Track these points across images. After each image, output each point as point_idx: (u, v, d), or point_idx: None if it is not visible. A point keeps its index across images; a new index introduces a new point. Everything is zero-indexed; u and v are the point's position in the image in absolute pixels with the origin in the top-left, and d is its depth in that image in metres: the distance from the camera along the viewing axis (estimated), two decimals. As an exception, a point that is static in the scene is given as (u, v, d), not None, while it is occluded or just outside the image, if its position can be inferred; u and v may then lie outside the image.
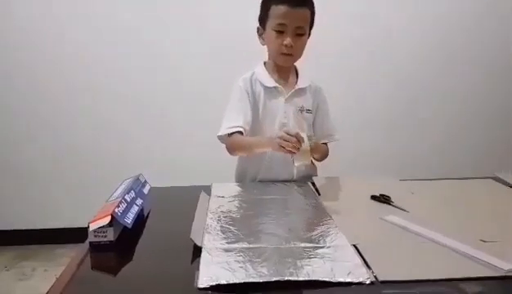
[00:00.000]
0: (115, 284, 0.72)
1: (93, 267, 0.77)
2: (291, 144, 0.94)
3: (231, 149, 1.14)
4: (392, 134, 2.22)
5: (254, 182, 1.19)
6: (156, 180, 1.09)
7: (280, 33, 1.09)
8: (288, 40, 1.09)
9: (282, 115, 1.16)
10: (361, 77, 2.10)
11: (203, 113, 2.07)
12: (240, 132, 1.11)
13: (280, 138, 0.96)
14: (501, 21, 2.16)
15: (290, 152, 0.95)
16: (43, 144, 2.13)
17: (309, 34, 1.15)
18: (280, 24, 1.09)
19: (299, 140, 0.95)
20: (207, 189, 1.05)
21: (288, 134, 0.95)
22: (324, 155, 1.24)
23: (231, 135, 1.12)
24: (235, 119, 1.12)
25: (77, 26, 2.01)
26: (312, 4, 1.13)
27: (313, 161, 1.23)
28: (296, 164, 1.00)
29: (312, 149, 0.99)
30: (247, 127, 1.13)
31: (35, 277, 1.93)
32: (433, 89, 2.20)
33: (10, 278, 1.93)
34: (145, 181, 1.04)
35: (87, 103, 2.09)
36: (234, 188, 1.10)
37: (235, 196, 1.04)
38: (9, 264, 2.03)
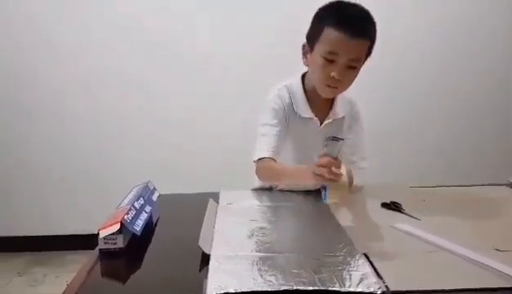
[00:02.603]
0: (125, 291, 0.72)
1: (103, 274, 0.78)
2: (329, 170, 0.82)
3: (261, 177, 1.07)
4: (402, 139, 2.19)
5: (263, 190, 1.16)
6: (165, 187, 1.10)
7: (329, 61, 0.94)
8: (337, 74, 0.94)
9: (310, 144, 1.09)
10: (367, 80, 2.04)
11: (215, 121, 2.09)
12: (272, 159, 1.03)
13: (318, 165, 0.84)
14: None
15: (330, 179, 0.83)
16: (55, 153, 2.16)
17: (364, 61, 1.00)
18: (332, 53, 0.93)
19: (338, 166, 0.82)
20: (215, 196, 1.05)
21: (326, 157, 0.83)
22: (351, 186, 1.11)
23: (260, 159, 1.04)
24: (270, 144, 1.04)
25: (92, 29, 2.04)
26: (374, 33, 0.96)
27: None
28: (328, 201, 0.89)
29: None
30: (279, 151, 1.06)
31: (47, 283, 1.95)
32: (443, 93, 2.17)
33: (22, 283, 1.95)
34: (154, 188, 1.05)
35: (101, 110, 2.12)
36: (242, 195, 1.10)
37: (243, 203, 1.03)
38: (21, 270, 2.06)
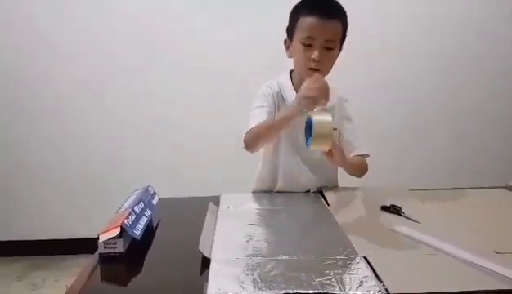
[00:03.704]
0: (125, 296, 0.72)
1: (103, 278, 0.78)
2: (315, 89, 0.93)
3: (250, 142, 1.08)
4: (405, 140, 2.19)
5: (263, 192, 1.18)
6: (165, 187, 1.09)
7: (307, 46, 1.03)
8: (316, 54, 1.02)
9: (300, 133, 1.08)
10: (366, 81, 2.07)
11: (215, 121, 2.09)
12: None
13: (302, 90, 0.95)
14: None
15: (318, 99, 0.93)
16: (54, 157, 2.15)
17: (340, 48, 1.09)
18: (309, 37, 1.02)
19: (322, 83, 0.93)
20: (215, 200, 1.05)
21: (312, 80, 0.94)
22: (354, 166, 1.13)
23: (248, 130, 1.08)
24: (260, 120, 1.07)
25: (92, 29, 2.04)
26: (345, 16, 1.07)
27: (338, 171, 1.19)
28: (312, 148, 0.90)
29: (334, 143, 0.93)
30: None
31: (46, 287, 1.94)
32: (448, 93, 2.17)
33: (21, 288, 1.94)
34: (154, 192, 1.05)
35: (100, 111, 2.11)
36: (242, 198, 1.10)
37: (243, 207, 1.03)
38: (20, 274, 2.05)
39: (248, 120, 1.11)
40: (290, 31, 1.09)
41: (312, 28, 1.02)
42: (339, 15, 1.05)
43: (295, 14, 1.07)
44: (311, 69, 1.04)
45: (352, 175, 1.14)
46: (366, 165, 1.17)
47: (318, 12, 1.02)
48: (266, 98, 1.13)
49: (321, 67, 1.04)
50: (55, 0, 2.01)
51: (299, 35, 1.04)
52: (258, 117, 1.09)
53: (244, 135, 1.09)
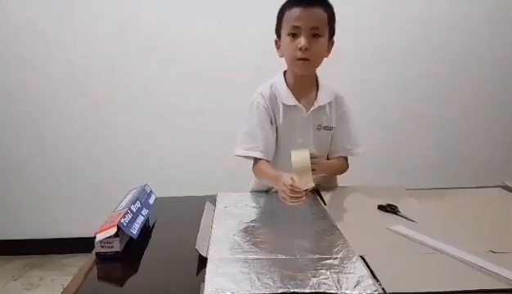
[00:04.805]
0: (121, 295, 0.72)
1: (99, 277, 0.78)
2: (289, 196, 0.91)
3: (256, 175, 1.14)
4: (402, 140, 2.19)
5: (260, 192, 1.17)
6: (165, 188, 1.09)
7: (294, 36, 1.06)
8: (303, 42, 1.03)
9: (300, 134, 1.13)
10: (364, 80, 2.07)
11: (211, 124, 2.09)
12: (266, 160, 1.10)
13: (280, 190, 0.95)
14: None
15: (292, 202, 0.92)
16: (51, 155, 2.15)
17: (331, 41, 1.11)
18: (294, 27, 1.05)
19: (296, 190, 0.90)
20: (212, 199, 1.05)
21: (284, 184, 0.92)
22: (337, 171, 1.19)
23: (257, 160, 1.11)
24: (253, 141, 1.11)
25: (91, 30, 2.04)
26: (329, 7, 1.08)
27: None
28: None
29: (317, 169, 0.96)
30: (270, 151, 1.12)
31: (42, 287, 1.94)
32: (445, 94, 2.17)
33: (17, 287, 1.94)
34: (151, 191, 1.05)
35: (100, 112, 2.11)
36: (239, 198, 1.10)
37: (240, 206, 1.04)
38: (17, 273, 2.05)
39: (239, 131, 1.13)
40: (278, 29, 1.12)
41: (296, 18, 1.05)
42: (323, 3, 1.07)
43: (281, 12, 1.11)
44: (299, 59, 1.06)
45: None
46: (345, 166, 1.20)
47: (301, 2, 1.05)
48: (258, 112, 1.12)
49: (309, 55, 1.06)
50: (55, 0, 2.01)
51: (286, 28, 1.07)
52: (249, 138, 1.11)
53: (238, 155, 1.13)
